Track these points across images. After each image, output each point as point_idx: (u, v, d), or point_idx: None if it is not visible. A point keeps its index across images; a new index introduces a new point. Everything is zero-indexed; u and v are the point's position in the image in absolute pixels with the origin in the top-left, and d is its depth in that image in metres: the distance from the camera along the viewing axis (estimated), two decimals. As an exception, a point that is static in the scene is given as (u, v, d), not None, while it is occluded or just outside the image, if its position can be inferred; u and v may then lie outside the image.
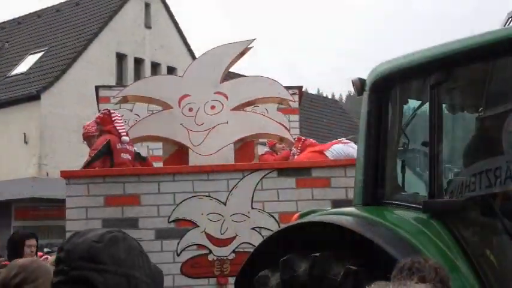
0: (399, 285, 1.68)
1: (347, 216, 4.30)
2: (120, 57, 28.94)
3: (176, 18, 31.21)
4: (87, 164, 7.23)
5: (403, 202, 4.40)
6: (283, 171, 6.70)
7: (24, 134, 26.06)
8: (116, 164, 7.33)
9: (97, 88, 11.55)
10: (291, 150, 9.25)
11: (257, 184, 6.59)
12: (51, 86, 26.52)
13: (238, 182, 6.58)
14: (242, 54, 8.14)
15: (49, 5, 33.64)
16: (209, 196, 6.51)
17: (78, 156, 24.88)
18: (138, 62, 29.10)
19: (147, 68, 28.81)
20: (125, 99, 8.15)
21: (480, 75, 4.35)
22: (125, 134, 7.57)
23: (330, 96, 63.21)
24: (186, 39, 31.26)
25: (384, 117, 4.53)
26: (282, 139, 8.53)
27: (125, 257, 2.32)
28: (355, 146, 8.18)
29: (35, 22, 33.01)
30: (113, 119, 7.70)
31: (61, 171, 6.52)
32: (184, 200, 6.47)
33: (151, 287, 2.41)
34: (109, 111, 7.85)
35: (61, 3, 32.87)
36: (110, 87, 15.23)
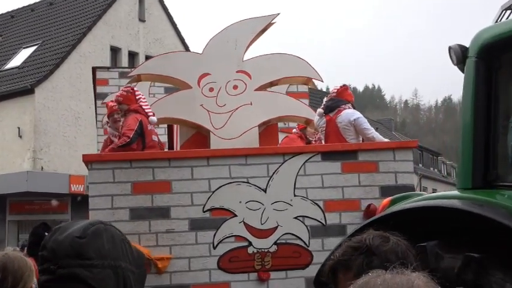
0: (397, 274, 1.39)
1: (460, 200, 3.36)
2: (115, 51, 28.14)
3: (170, 11, 30.40)
4: (127, 144, 6.38)
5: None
6: (327, 155, 5.76)
7: (19, 128, 25.24)
8: (147, 147, 6.60)
9: (94, 69, 10.66)
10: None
11: (299, 169, 5.64)
12: (45, 79, 25.60)
13: (279, 167, 5.63)
14: (264, 30, 7.24)
15: (42, -2, 32.64)
16: (248, 182, 5.56)
17: (72, 150, 24.45)
18: (132, 55, 28.28)
19: (141, 61, 27.85)
20: (138, 78, 7.14)
21: None
22: (152, 114, 6.79)
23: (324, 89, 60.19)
24: (180, 32, 30.51)
25: (495, 87, 3.61)
26: (308, 122, 7.67)
27: (109, 248, 2.26)
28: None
29: (28, 16, 32.16)
30: (137, 97, 6.92)
31: (83, 155, 5.55)
32: (220, 187, 5.51)
33: (136, 274, 2.35)
34: (132, 88, 6.98)
35: (54, -5, 31.99)
36: (107, 68, 14.29)
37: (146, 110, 6.82)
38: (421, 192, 4.46)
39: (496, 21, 3.92)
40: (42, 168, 24.90)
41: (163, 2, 30.05)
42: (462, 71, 3.72)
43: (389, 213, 3.55)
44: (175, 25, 30.32)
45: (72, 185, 24.62)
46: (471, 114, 3.61)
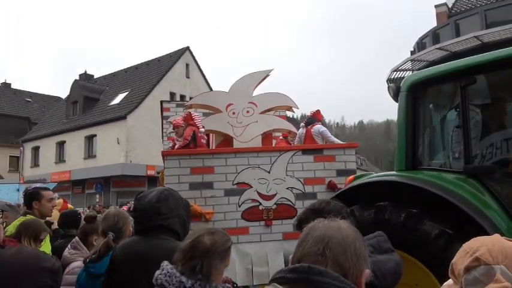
0: (332, 221, 1.33)
1: (399, 176, 3.07)
2: (172, 95, 27.98)
3: (204, 71, 30.23)
4: (185, 146, 6.16)
5: (436, 167, 3.21)
6: (305, 151, 5.46)
7: (117, 138, 25.27)
8: (198, 146, 6.40)
9: (161, 102, 10.68)
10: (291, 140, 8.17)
11: (289, 159, 5.34)
12: (133, 111, 25.69)
13: (277, 158, 5.33)
14: (264, 78, 6.91)
15: (131, 65, 32.52)
16: (259, 167, 5.25)
17: (148, 151, 24.21)
18: (182, 97, 27.96)
19: (187, 100, 27.63)
20: (190, 106, 6.85)
21: (498, 80, 3.12)
22: (201, 126, 6.51)
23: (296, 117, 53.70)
24: (209, 83, 30.25)
25: (417, 109, 3.36)
26: (289, 132, 7.38)
27: (174, 205, 2.19)
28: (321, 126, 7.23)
29: (123, 75, 31.93)
30: (193, 117, 6.64)
31: (162, 151, 5.27)
32: (242, 170, 5.20)
33: (186, 215, 2.27)
34: (190, 112, 6.72)
35: (138, 64, 31.93)
36: (169, 101, 14.41)
37: (198, 124, 6.55)
38: (370, 172, 4.17)
39: (387, 80, 3.66)
40: (130, 161, 24.81)
41: (200, 66, 29.81)
42: (396, 100, 3.46)
43: (355, 185, 3.28)
44: (207, 79, 30.08)
45: (148, 171, 24.53)
46: (403, 125, 3.35)
